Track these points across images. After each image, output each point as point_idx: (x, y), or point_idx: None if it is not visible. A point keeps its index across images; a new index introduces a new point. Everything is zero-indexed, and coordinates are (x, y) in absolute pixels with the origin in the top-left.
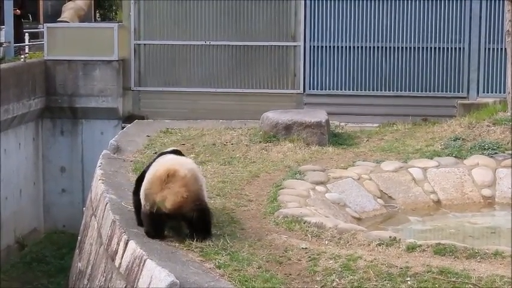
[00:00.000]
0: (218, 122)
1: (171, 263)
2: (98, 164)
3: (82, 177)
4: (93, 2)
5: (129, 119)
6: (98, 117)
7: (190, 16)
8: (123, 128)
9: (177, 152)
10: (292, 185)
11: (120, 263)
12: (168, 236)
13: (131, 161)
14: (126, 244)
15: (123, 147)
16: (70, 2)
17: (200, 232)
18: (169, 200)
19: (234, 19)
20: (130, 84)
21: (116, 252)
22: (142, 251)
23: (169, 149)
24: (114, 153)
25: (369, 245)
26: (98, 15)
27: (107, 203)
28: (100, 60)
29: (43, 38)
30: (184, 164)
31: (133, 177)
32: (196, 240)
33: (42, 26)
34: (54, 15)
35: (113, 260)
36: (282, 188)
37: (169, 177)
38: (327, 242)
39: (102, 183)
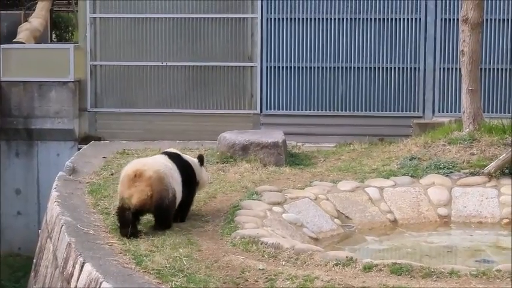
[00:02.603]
0: (175, 142)
1: (128, 285)
2: (54, 186)
3: (38, 199)
4: (49, 22)
5: (85, 140)
6: (54, 138)
7: (146, 37)
8: (79, 149)
9: (170, 154)
10: (249, 205)
11: (76, 286)
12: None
13: (87, 183)
14: (82, 267)
15: (79, 168)
16: (26, 23)
17: (157, 226)
18: (135, 197)
19: (191, 40)
20: (86, 105)
21: (72, 274)
22: (98, 273)
23: (168, 150)
24: (70, 175)
25: (326, 265)
26: (54, 36)
27: (62, 225)
28: (56, 81)
29: None
30: (152, 166)
31: (89, 199)
32: (155, 229)
33: None
34: (9, 36)
35: (69, 282)
36: (239, 209)
37: (136, 177)
38: (284, 262)
39: (58, 205)
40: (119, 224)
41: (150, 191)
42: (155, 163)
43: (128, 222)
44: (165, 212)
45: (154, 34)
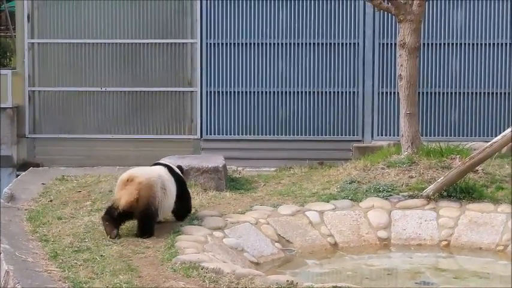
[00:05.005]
0: (115, 168)
1: None
2: None
3: None
4: None
5: (23, 166)
6: None
7: (85, 62)
8: (17, 176)
9: (165, 165)
10: (190, 231)
11: None
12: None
13: (26, 210)
14: None
15: (18, 195)
16: None
17: (140, 232)
18: (123, 199)
19: (130, 65)
20: (24, 131)
21: None
22: None
23: (160, 161)
24: (8, 202)
25: None
26: None
27: (0, 253)
28: None
29: None
30: (145, 174)
31: (27, 226)
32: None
33: None
34: None
35: None
36: (180, 234)
37: (128, 181)
38: (225, 287)
39: None
40: (105, 222)
41: (137, 194)
42: (149, 172)
43: (113, 220)
44: (149, 219)
45: (93, 59)
